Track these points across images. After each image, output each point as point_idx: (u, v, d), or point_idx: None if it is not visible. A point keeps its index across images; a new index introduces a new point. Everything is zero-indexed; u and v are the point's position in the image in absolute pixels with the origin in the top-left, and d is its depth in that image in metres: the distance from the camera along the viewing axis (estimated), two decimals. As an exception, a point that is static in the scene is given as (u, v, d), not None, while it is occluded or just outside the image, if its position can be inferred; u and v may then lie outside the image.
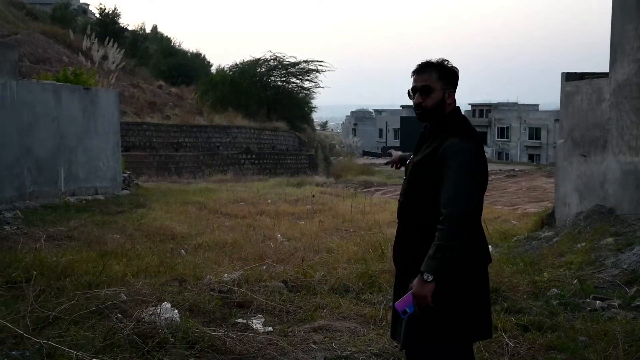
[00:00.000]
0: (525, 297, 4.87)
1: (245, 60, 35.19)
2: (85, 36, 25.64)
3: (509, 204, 19.79)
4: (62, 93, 12.17)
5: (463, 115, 2.73)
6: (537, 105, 69.72)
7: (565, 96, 8.67)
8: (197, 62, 52.24)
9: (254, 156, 28.36)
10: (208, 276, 5.11)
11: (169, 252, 6.72)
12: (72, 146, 12.44)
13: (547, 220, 9.12)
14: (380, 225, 10.14)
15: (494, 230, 9.24)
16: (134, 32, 49.95)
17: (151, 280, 5.10)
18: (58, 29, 35.94)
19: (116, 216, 9.80)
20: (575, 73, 8.70)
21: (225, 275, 5.13)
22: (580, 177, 8.23)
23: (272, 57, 34.79)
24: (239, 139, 28.72)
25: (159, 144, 26.12)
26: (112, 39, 26.68)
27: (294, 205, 13.14)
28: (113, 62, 26.33)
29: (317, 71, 34.92)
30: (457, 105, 2.73)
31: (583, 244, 6.47)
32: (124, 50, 27.38)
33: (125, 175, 16.16)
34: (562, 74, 8.81)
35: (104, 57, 26.20)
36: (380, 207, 13.69)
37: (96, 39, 25.34)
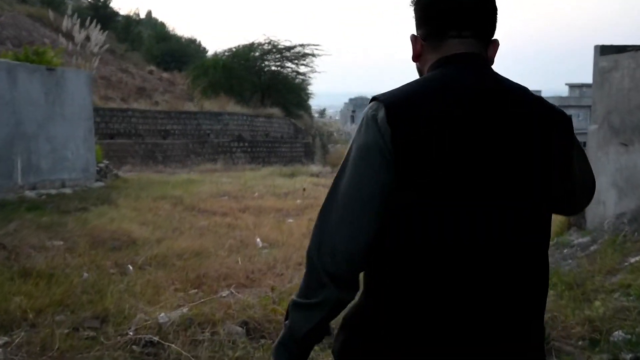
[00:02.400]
0: (580, 343, 3.51)
1: (239, 46, 33.68)
2: (66, 16, 24.08)
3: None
4: (18, 73, 10.73)
5: (436, 68, 1.40)
6: (540, 91, 68.16)
7: (600, 73, 7.25)
8: (192, 47, 50.75)
9: (246, 144, 26.92)
10: (139, 315, 3.74)
11: (112, 267, 5.34)
12: (31, 133, 11.02)
13: (576, 220, 7.74)
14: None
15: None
16: (127, 16, 48.48)
17: (65, 316, 3.72)
18: (46, 12, 34.40)
19: (72, 215, 8.41)
20: (612, 46, 7.29)
21: (162, 314, 3.74)
22: (620, 171, 6.84)
23: (267, 41, 33.27)
24: (231, 126, 27.27)
25: (145, 131, 24.66)
26: (94, 20, 25.18)
27: (282, 200, 11.75)
28: (96, 45, 24.86)
29: (313, 55, 33.42)
30: (437, 55, 1.41)
31: (638, 259, 5.09)
32: (107, 31, 25.81)
33: (102, 165, 14.78)
34: (596, 47, 7.39)
35: (89, 39, 24.77)
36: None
37: (78, 19, 23.82)
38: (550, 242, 6.88)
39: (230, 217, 9.47)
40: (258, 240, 7.23)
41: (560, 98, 62.33)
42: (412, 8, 1.46)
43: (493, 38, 1.44)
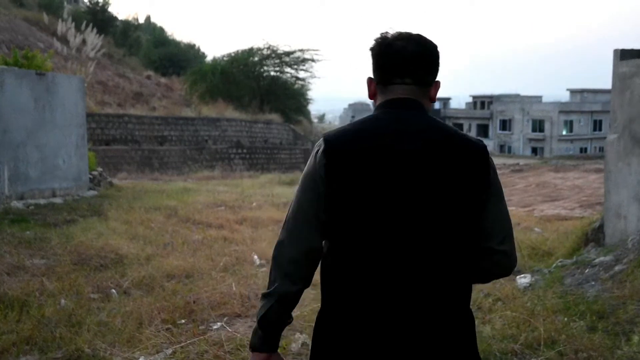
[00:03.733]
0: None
1: (238, 51, 33.27)
2: (60, 20, 23.63)
3: (522, 204, 17.90)
4: (6, 78, 10.27)
5: (376, 110, 1.79)
6: (541, 96, 67.80)
7: (620, 79, 6.80)
8: (191, 53, 50.38)
9: (244, 150, 26.47)
10: (115, 359, 3.26)
11: (94, 291, 4.85)
12: (19, 141, 10.56)
13: (594, 235, 7.29)
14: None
15: (522, 243, 7.45)
16: (125, 21, 48.12)
17: (33, 356, 3.24)
18: (43, 16, 34.02)
19: (59, 228, 7.93)
20: (634, 50, 6.85)
21: (142, 359, 3.26)
22: (643, 184, 6.38)
23: (266, 46, 32.88)
24: (229, 132, 26.82)
25: (142, 137, 24.21)
26: (92, 24, 24.76)
27: (282, 210, 11.27)
28: (92, 49, 24.44)
29: (313, 60, 33.06)
30: (382, 98, 1.78)
31: (673, 284, 4.63)
32: (103, 35, 25.35)
33: (96, 173, 14.32)
34: (615, 51, 6.95)
35: (86, 43, 24.35)
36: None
37: (73, 23, 23.39)
38: (568, 261, 6.45)
39: (226, 229, 9.01)
40: (255, 257, 6.76)
41: (562, 103, 61.83)
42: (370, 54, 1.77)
43: (436, 80, 1.75)
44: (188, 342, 3.48)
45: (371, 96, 1.80)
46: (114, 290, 4.90)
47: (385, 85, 1.73)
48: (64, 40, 25.39)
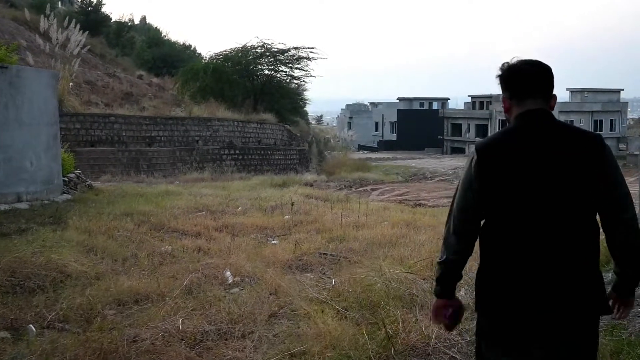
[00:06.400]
0: None
1: (232, 49, 32.17)
2: (42, 16, 22.55)
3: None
4: (-41, 71, 9.23)
5: (515, 120, 2.38)
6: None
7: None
8: (186, 53, 49.46)
9: (237, 151, 25.40)
10: None
11: (7, 327, 3.79)
12: (-25, 141, 9.51)
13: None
14: (377, 248, 7.34)
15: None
16: (119, 21, 47.19)
17: None
18: (32, 16, 32.95)
19: (6, 239, 6.87)
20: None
21: None
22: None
23: (259, 44, 31.79)
24: (221, 133, 25.74)
25: (129, 138, 23.11)
26: (74, 20, 23.70)
27: (269, 216, 10.24)
28: (77, 45, 23.37)
29: (308, 59, 31.96)
30: (518, 110, 2.37)
31: None
32: (87, 32, 24.26)
33: (72, 175, 13.27)
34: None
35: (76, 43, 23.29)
36: (379, 215, 10.80)
37: (55, 19, 22.32)
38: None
39: (203, 238, 7.97)
40: (227, 273, 5.71)
41: (562, 103, 60.78)
42: (498, 79, 2.42)
43: (553, 94, 2.38)
44: None
45: (506, 111, 2.40)
46: (31, 326, 3.84)
47: (520, 101, 2.32)
48: (49, 38, 24.45)
